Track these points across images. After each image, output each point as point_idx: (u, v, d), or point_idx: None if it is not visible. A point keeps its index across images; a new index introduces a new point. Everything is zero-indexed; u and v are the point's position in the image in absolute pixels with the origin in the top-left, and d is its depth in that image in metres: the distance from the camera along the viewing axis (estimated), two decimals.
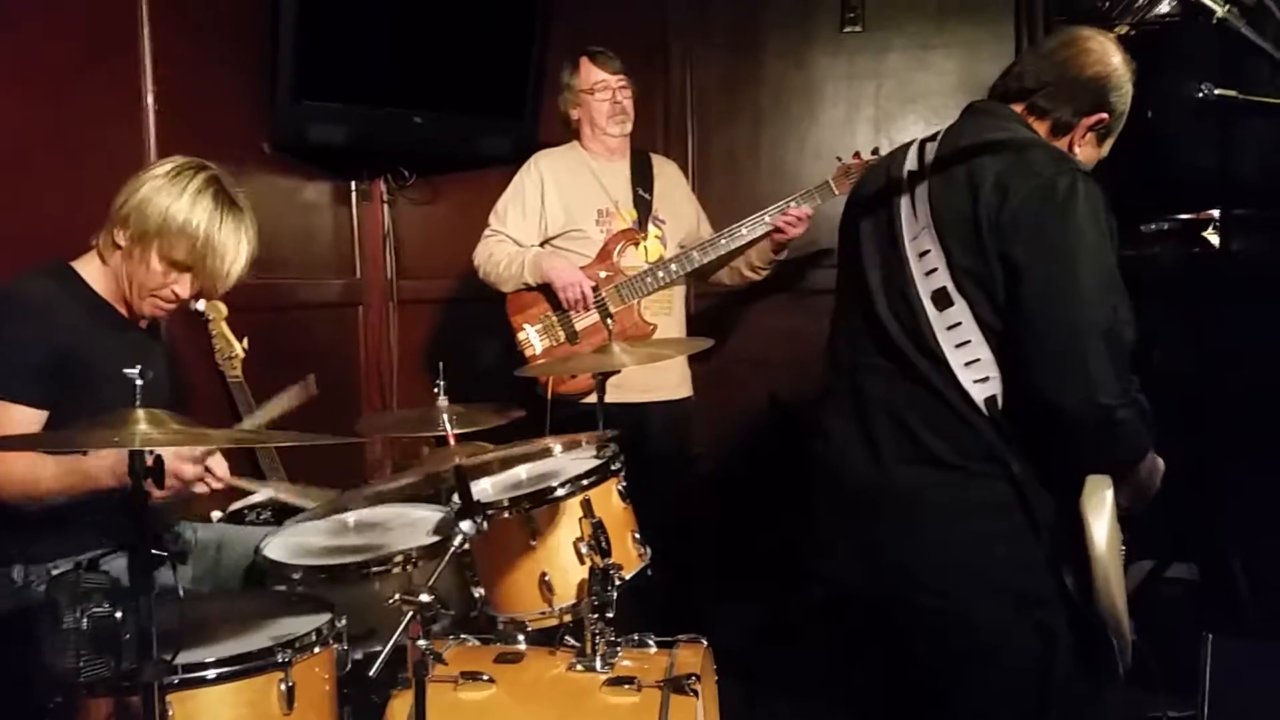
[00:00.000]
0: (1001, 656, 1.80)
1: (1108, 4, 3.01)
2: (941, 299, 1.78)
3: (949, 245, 1.77)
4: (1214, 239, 3.38)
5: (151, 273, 2.00)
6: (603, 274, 3.03)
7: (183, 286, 2.03)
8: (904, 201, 1.88)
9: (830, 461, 1.97)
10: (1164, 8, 2.93)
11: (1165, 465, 1.87)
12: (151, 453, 1.39)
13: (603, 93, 3.07)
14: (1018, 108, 1.89)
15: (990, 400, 1.75)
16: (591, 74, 3.08)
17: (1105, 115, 1.84)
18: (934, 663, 1.90)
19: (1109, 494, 1.71)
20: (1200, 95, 1.42)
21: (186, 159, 2.05)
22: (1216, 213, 3.31)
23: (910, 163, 1.92)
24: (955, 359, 1.77)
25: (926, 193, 1.83)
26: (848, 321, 2.00)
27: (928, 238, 1.80)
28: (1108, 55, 1.83)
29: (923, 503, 1.82)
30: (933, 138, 1.93)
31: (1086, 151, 1.88)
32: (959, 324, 1.76)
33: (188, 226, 1.96)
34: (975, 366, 1.76)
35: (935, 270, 1.78)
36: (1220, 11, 1.28)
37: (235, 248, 2.02)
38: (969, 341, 1.76)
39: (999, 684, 1.82)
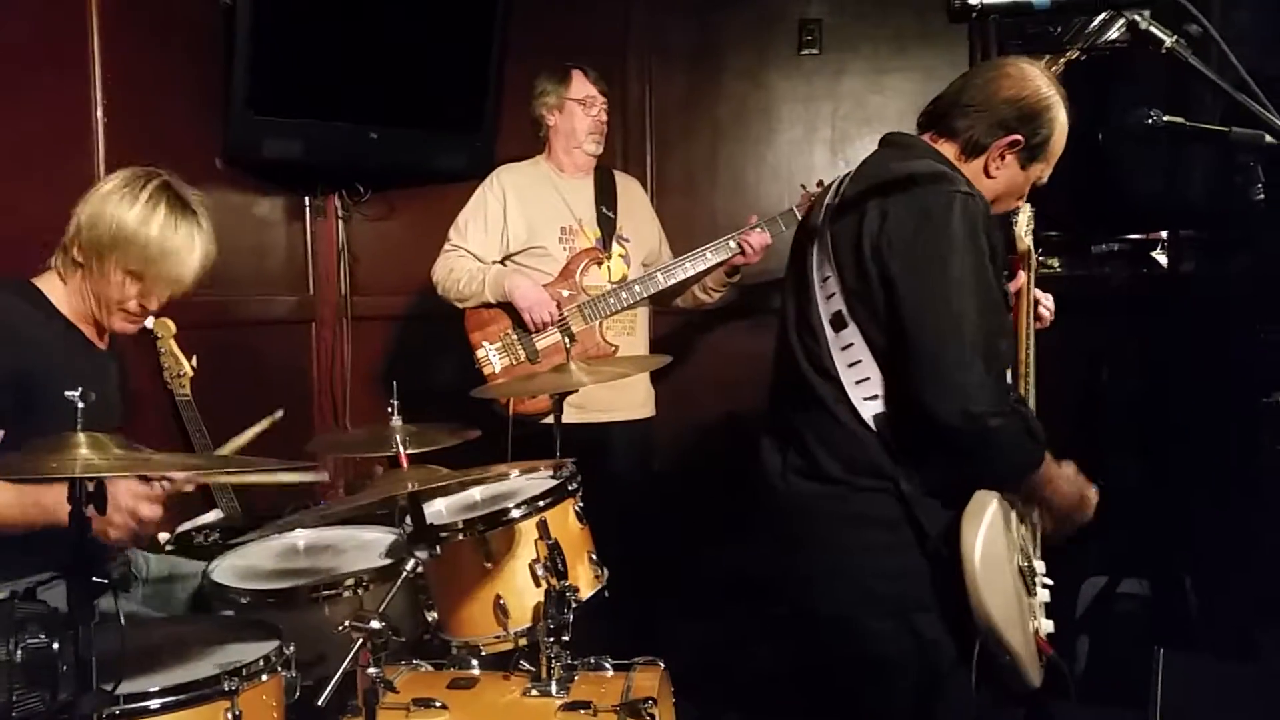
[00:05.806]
0: (886, 663, 1.87)
1: (1059, 29, 3.06)
2: (838, 321, 1.86)
3: (842, 271, 1.86)
4: (1162, 259, 3.46)
5: (112, 285, 1.96)
6: (565, 293, 3.01)
7: (146, 297, 2.00)
8: (817, 233, 1.96)
9: (757, 479, 2.05)
10: (1114, 34, 2.99)
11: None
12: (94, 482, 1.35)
13: (591, 107, 3.07)
14: (928, 135, 1.95)
15: (879, 417, 1.82)
16: (585, 87, 3.08)
17: (1020, 137, 1.86)
18: (834, 669, 2.02)
19: (992, 506, 1.75)
20: (1149, 122, 1.45)
21: (137, 169, 2.01)
22: (1165, 234, 3.39)
23: (830, 196, 1.99)
24: (847, 378, 1.84)
25: (831, 224, 1.91)
26: (776, 348, 2.08)
27: (828, 265, 1.89)
28: (1025, 80, 1.86)
29: (813, 515, 1.91)
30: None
31: (1007, 174, 1.91)
32: (851, 344, 1.84)
33: (139, 234, 1.93)
34: (865, 385, 1.83)
35: (834, 295, 1.87)
36: (1169, 42, 1.30)
37: (189, 249, 1.98)
38: (860, 361, 1.83)
39: (886, 690, 1.88)
